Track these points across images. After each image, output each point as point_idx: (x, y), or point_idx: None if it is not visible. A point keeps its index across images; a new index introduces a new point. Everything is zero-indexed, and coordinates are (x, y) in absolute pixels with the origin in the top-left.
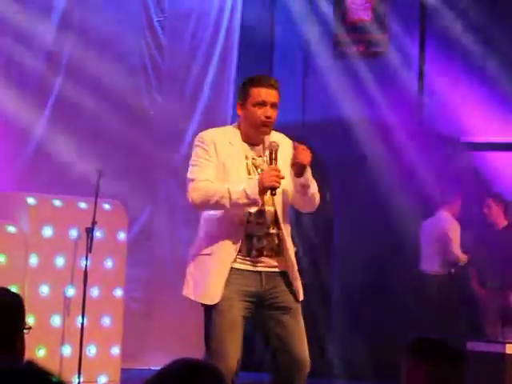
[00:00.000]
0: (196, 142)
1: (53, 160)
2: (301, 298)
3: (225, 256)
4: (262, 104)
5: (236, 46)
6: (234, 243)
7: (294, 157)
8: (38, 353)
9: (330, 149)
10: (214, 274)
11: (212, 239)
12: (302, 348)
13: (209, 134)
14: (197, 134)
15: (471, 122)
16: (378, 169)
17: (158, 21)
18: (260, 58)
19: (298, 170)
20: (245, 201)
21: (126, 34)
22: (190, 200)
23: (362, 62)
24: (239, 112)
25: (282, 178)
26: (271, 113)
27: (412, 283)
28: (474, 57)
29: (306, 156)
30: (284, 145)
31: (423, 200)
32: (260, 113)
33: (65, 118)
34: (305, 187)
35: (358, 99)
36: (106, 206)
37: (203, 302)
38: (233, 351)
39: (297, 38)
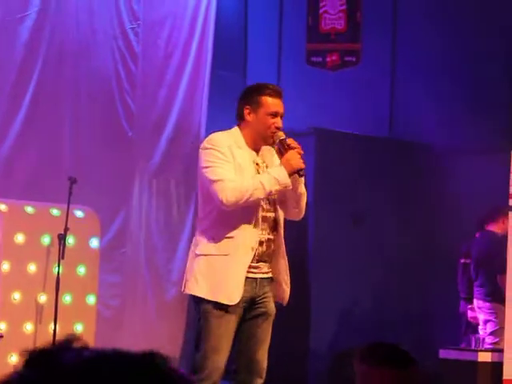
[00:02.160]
0: (207, 145)
1: (25, 165)
2: (285, 301)
3: (243, 257)
4: (275, 114)
5: (210, 53)
6: (250, 243)
7: (283, 145)
8: (10, 360)
9: (305, 157)
10: (234, 274)
11: (228, 240)
12: (264, 356)
13: (220, 137)
14: (170, 142)
15: (443, 131)
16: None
17: (131, 28)
18: (233, 65)
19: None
20: (277, 187)
21: (99, 41)
22: (224, 200)
23: (334, 73)
24: (247, 117)
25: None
26: (280, 123)
27: None
28: (447, 65)
29: (298, 159)
30: (268, 150)
31: None
32: (272, 122)
33: (38, 122)
34: (298, 196)
35: (330, 110)
36: (79, 213)
37: (223, 302)
38: (225, 356)
39: (270, 45)
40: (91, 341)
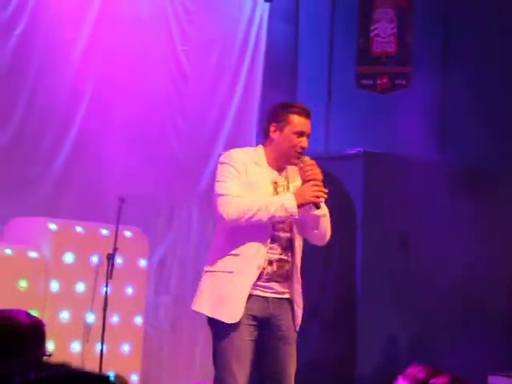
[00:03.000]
0: (223, 160)
1: (76, 185)
2: (297, 327)
3: (248, 274)
4: (301, 134)
5: (260, 76)
6: (257, 261)
7: (303, 172)
8: None
9: (353, 180)
10: (236, 291)
11: (234, 257)
12: (290, 380)
13: (237, 153)
14: (220, 155)
15: (494, 155)
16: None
17: (182, 50)
18: (284, 88)
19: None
20: (282, 213)
21: (151, 62)
22: (225, 215)
23: (385, 95)
24: (273, 134)
25: (326, 193)
26: (306, 144)
27: None
28: (498, 88)
29: (316, 172)
30: (295, 170)
31: None
32: (297, 141)
33: (88, 144)
34: (317, 219)
35: (379, 132)
36: (127, 233)
37: (222, 320)
38: (241, 378)
39: (320, 67)
40: (138, 361)
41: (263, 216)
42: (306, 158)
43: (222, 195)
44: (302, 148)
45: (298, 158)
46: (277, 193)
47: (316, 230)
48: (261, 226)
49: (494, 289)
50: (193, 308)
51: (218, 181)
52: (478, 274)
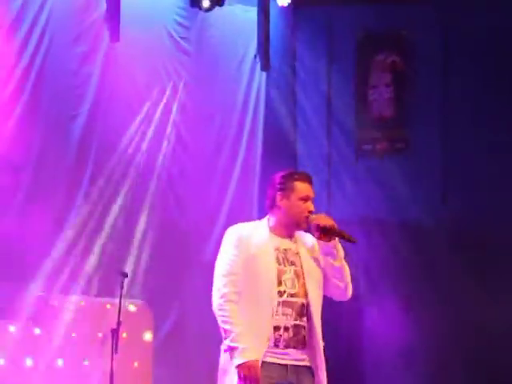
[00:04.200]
0: (226, 235)
1: (78, 260)
2: None
3: (256, 349)
4: (307, 199)
5: (260, 145)
6: (263, 335)
7: (316, 222)
8: None
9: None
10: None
11: (244, 332)
12: None
13: (237, 228)
14: (223, 235)
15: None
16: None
17: (181, 121)
18: (284, 155)
19: (326, 236)
20: (230, 353)
21: (150, 135)
22: (213, 297)
23: (384, 159)
24: (280, 203)
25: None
26: (312, 208)
27: None
28: (497, 150)
29: (326, 219)
30: (306, 237)
31: None
32: (304, 207)
33: (91, 219)
34: (339, 270)
35: (382, 197)
36: (131, 307)
37: None
38: None
39: (319, 135)
40: None
41: (225, 336)
42: (312, 216)
43: (217, 276)
44: (310, 212)
45: (307, 222)
46: (278, 261)
47: (340, 281)
48: (264, 296)
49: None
50: None
51: (219, 253)
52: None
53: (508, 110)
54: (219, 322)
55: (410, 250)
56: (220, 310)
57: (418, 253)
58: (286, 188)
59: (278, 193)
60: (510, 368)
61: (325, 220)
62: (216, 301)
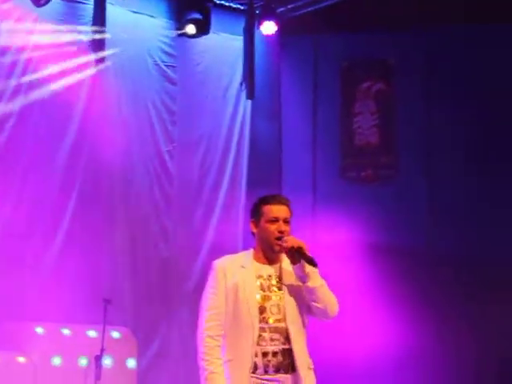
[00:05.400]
0: (210, 270)
1: (62, 287)
2: None
3: (241, 378)
4: (275, 220)
5: (245, 173)
6: (246, 363)
7: (285, 248)
8: None
9: (342, 271)
10: None
11: (228, 361)
12: None
13: (221, 262)
14: (207, 261)
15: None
16: None
17: (167, 150)
18: (268, 183)
19: (293, 258)
20: (205, 382)
21: (135, 162)
22: (198, 331)
23: (370, 187)
24: (254, 230)
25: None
26: (284, 227)
27: None
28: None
29: (292, 240)
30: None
31: None
32: (273, 228)
33: (75, 245)
34: (313, 291)
35: (367, 223)
36: (115, 334)
37: None
38: None
39: (304, 163)
40: None
41: (203, 370)
42: (286, 237)
43: (201, 308)
44: (281, 232)
45: (280, 244)
46: (262, 288)
47: (317, 303)
48: (248, 327)
49: None
50: None
51: (205, 288)
52: None
53: (493, 129)
54: (198, 357)
55: (397, 273)
56: (199, 345)
57: (405, 275)
58: (256, 214)
59: (252, 220)
60: None
61: (291, 242)
62: (198, 336)
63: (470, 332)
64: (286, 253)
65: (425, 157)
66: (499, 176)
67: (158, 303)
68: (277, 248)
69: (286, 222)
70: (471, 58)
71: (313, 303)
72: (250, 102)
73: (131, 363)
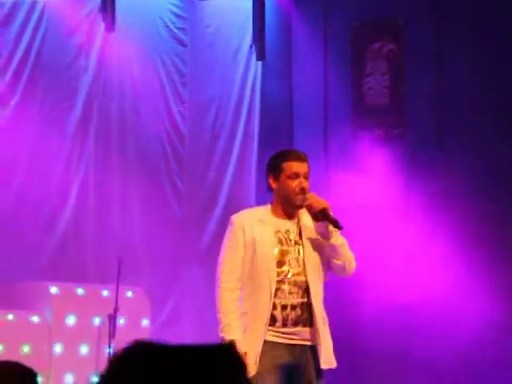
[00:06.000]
0: (229, 224)
1: (76, 248)
2: (333, 365)
3: (256, 329)
4: (296, 176)
5: (256, 133)
6: (264, 316)
7: (308, 207)
8: None
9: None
10: (250, 350)
11: (244, 313)
12: None
13: (239, 216)
14: (221, 222)
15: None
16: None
17: (178, 110)
18: (280, 143)
19: (318, 219)
20: (220, 333)
21: (146, 123)
22: (217, 283)
23: (381, 146)
24: (273, 186)
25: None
26: (305, 183)
27: None
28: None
29: (315, 199)
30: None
31: None
32: (295, 184)
33: (87, 207)
34: (335, 248)
35: (379, 182)
36: (129, 294)
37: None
38: None
39: (316, 121)
40: None
41: (219, 322)
42: (308, 195)
43: (219, 262)
44: (302, 189)
45: (302, 199)
46: (281, 242)
47: (337, 260)
48: (265, 280)
49: None
50: None
51: (223, 242)
52: None
53: (502, 94)
54: (216, 310)
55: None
56: (217, 298)
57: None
58: (275, 170)
59: (270, 176)
60: None
61: (313, 200)
62: (216, 289)
63: None
64: (308, 210)
65: (435, 116)
66: None
67: (170, 264)
68: (299, 203)
69: (305, 177)
70: (487, 17)
71: (333, 259)
72: (260, 63)
73: (144, 323)
